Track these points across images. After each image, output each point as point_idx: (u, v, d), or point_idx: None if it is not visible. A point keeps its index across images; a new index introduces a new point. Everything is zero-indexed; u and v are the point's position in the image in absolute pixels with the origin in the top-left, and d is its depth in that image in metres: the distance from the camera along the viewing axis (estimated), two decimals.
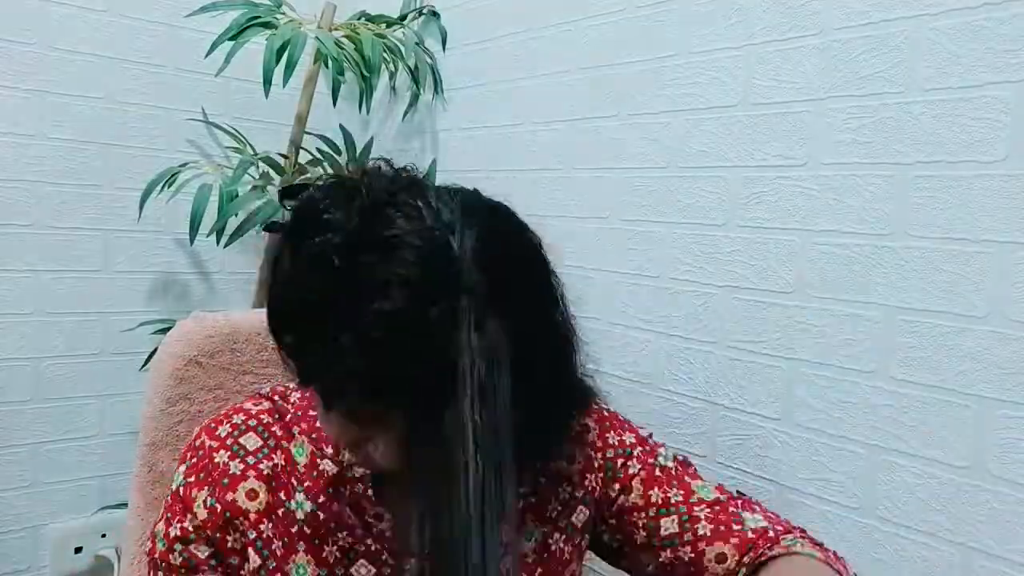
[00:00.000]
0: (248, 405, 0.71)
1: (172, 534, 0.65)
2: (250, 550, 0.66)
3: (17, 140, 1.50)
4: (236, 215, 1.47)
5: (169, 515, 0.66)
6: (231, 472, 0.66)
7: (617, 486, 0.76)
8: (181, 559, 0.65)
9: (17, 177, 1.51)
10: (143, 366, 1.63)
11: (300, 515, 0.66)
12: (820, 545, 0.74)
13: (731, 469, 1.13)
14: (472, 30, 1.60)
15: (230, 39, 1.41)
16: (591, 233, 1.33)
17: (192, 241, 1.50)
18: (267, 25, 1.45)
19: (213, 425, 0.69)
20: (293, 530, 0.66)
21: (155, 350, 1.60)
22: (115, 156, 1.61)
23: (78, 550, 1.63)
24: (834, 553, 0.74)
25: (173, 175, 1.52)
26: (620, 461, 0.77)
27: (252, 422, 0.69)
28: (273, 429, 0.69)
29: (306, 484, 0.67)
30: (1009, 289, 0.87)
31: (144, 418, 0.85)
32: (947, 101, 0.92)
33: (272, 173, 1.59)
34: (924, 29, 0.94)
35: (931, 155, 0.93)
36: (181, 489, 0.67)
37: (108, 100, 1.59)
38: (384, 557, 0.67)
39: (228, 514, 0.65)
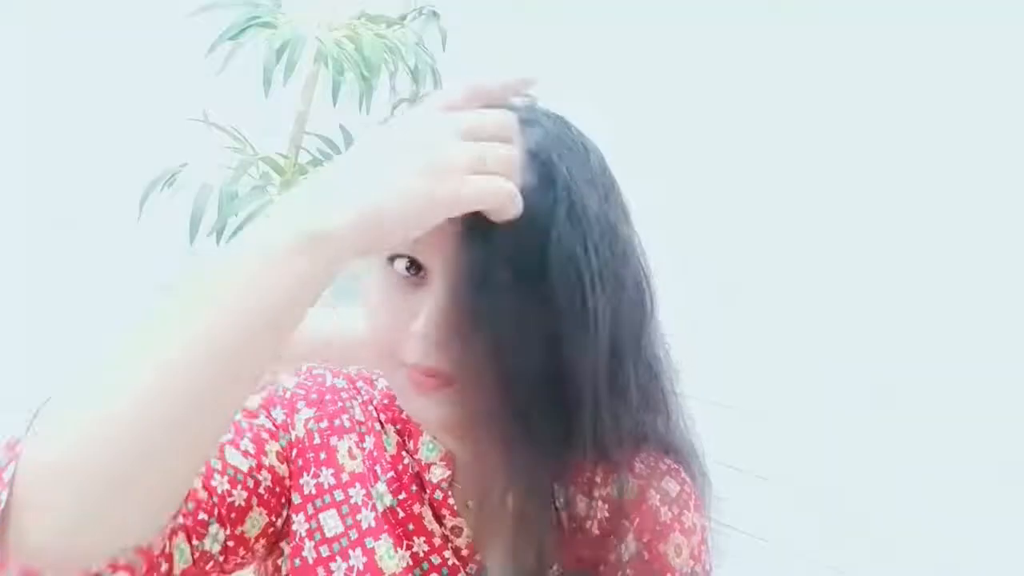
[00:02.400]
0: (335, 381, 0.64)
1: (269, 414, 0.58)
2: (325, 514, 0.58)
3: (16, 140, 1.50)
4: (236, 215, 1.47)
5: (268, 396, 0.59)
6: (339, 424, 0.60)
7: None
8: (271, 426, 0.58)
9: (16, 177, 1.51)
10: None
11: (380, 507, 0.59)
12: None
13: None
14: (472, 30, 1.60)
15: (230, 39, 1.41)
16: None
17: (192, 241, 1.50)
18: (267, 25, 1.44)
19: (326, 370, 0.63)
20: (380, 512, 0.60)
21: None
22: (115, 156, 1.61)
23: None
24: None
25: (173, 175, 1.52)
26: None
27: (351, 394, 0.63)
28: (369, 409, 0.63)
29: (390, 475, 0.60)
30: None
31: None
32: None
33: (272, 173, 1.59)
34: None
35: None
36: (286, 391, 0.60)
37: (109, 100, 1.59)
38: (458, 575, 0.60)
39: (324, 455, 0.59)
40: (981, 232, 1.02)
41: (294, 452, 0.59)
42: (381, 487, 0.60)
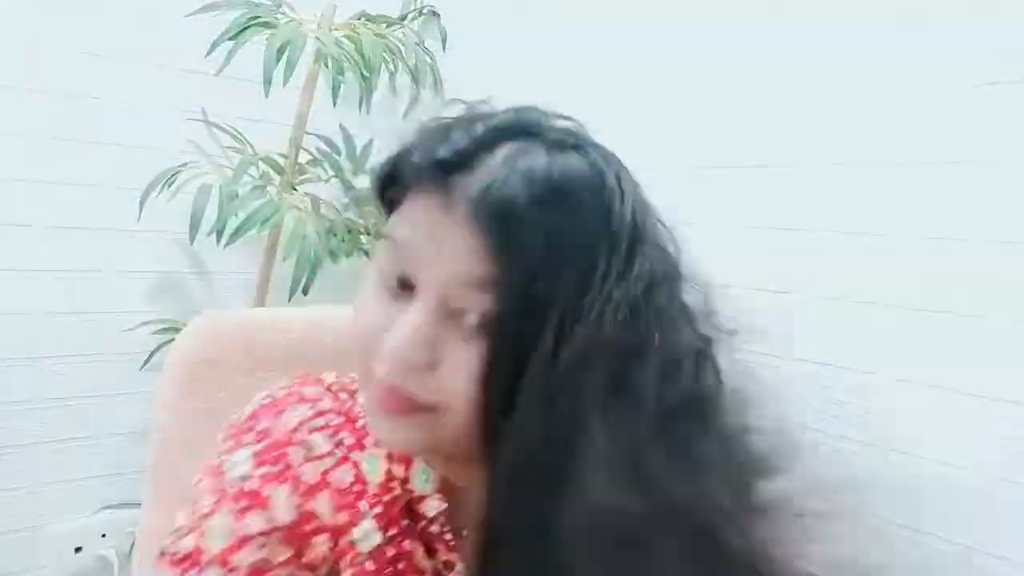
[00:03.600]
0: (307, 391, 0.59)
1: (247, 531, 0.51)
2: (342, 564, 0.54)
3: (16, 140, 1.50)
4: (236, 215, 1.47)
5: (235, 508, 0.52)
6: (304, 479, 0.54)
7: None
8: (253, 559, 0.51)
9: (16, 177, 1.51)
10: (143, 366, 1.63)
11: (365, 547, 0.54)
12: None
13: None
14: (472, 30, 1.60)
15: (230, 39, 1.41)
16: None
17: (192, 241, 1.50)
18: (267, 25, 1.44)
19: (278, 411, 0.57)
20: (352, 557, 0.55)
21: (155, 350, 1.62)
22: (115, 156, 1.61)
23: (78, 550, 1.63)
24: None
25: (173, 175, 1.52)
26: None
27: (319, 421, 0.57)
28: (342, 435, 0.57)
29: (376, 511, 0.55)
30: (1009, 288, 0.87)
31: (157, 416, 0.85)
32: (951, 100, 0.92)
33: (272, 173, 1.59)
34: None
35: (929, 154, 0.93)
36: (250, 483, 0.53)
37: (108, 100, 1.59)
38: None
39: (308, 527, 0.54)
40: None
41: (305, 545, 0.53)
42: (368, 524, 0.55)
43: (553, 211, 0.45)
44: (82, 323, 1.61)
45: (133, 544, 1.62)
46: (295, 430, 0.55)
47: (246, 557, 0.51)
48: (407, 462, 0.57)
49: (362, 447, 0.57)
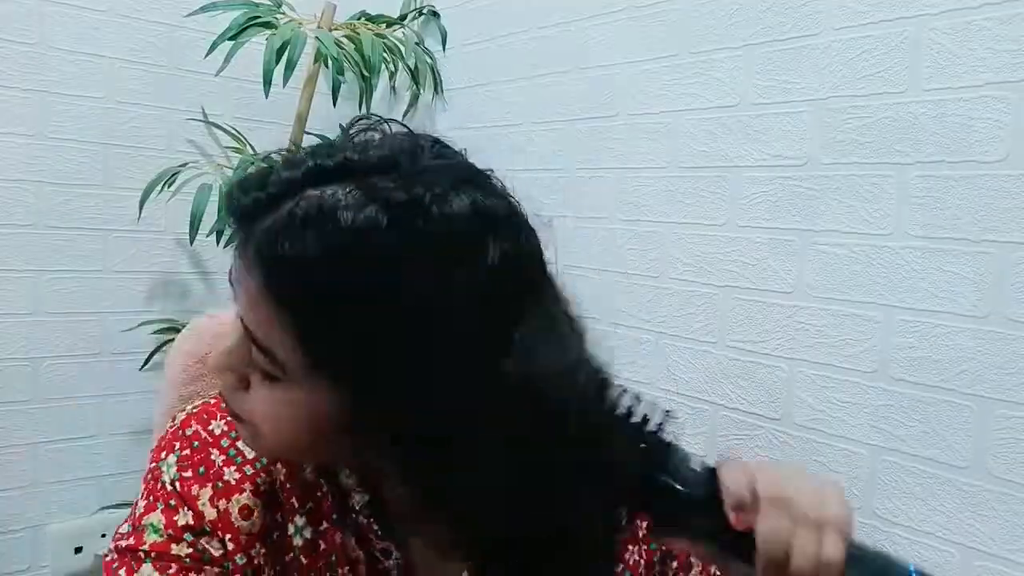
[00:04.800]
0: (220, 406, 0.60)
1: (180, 523, 0.54)
2: None
3: (17, 140, 1.50)
4: None
5: (163, 505, 0.55)
6: (225, 479, 0.56)
7: None
8: (191, 550, 0.54)
9: (17, 177, 1.51)
10: (143, 366, 1.63)
11: (298, 541, 0.57)
12: None
13: None
14: (472, 30, 1.60)
15: (230, 39, 1.41)
16: (590, 233, 1.33)
17: (192, 241, 1.50)
18: (267, 25, 1.44)
19: (206, 416, 0.60)
20: (288, 558, 0.57)
21: (155, 350, 1.62)
22: (115, 156, 1.61)
23: (78, 550, 1.63)
24: None
25: (173, 175, 1.52)
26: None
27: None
28: None
29: (309, 505, 0.58)
30: (1009, 289, 0.87)
31: (157, 415, 0.85)
32: (947, 101, 0.92)
33: None
34: (924, 29, 0.94)
35: (931, 155, 0.93)
36: (177, 483, 0.56)
37: (108, 100, 1.59)
38: None
39: (221, 524, 0.56)
40: None
41: (229, 541, 0.55)
42: (300, 520, 0.58)
43: (332, 259, 0.45)
44: (82, 323, 1.61)
45: None
46: (220, 436, 0.59)
47: (181, 549, 0.54)
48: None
49: None
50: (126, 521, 0.57)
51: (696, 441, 1.17)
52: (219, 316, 0.88)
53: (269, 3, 1.50)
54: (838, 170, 1.02)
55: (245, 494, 0.56)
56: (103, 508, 1.66)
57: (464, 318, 0.46)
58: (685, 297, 1.19)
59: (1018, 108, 0.86)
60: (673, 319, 1.21)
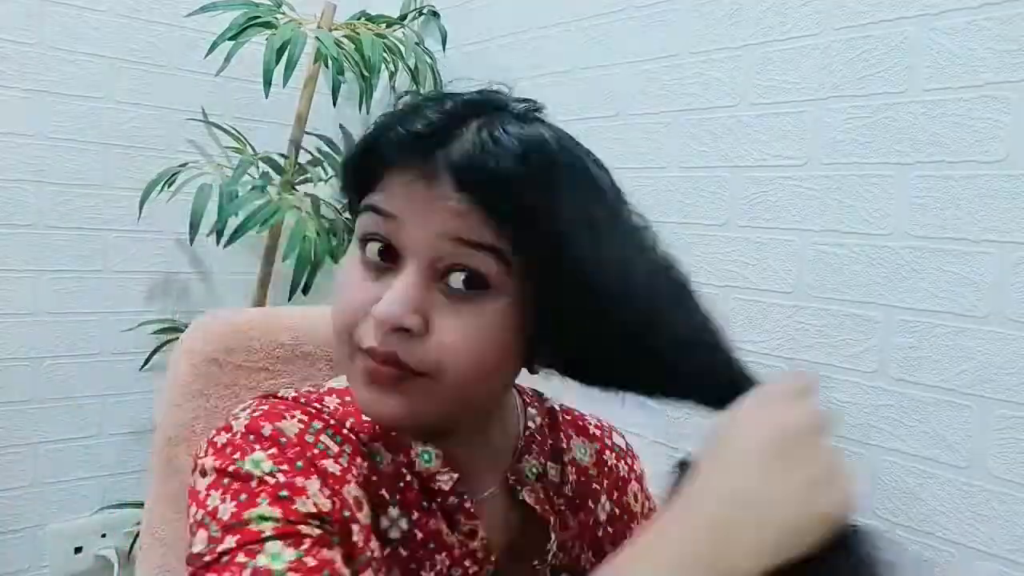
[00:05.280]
0: (282, 407, 0.55)
1: (301, 510, 0.48)
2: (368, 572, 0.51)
3: (17, 140, 1.50)
4: (236, 215, 1.47)
5: (269, 498, 0.48)
6: (329, 471, 0.51)
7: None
8: (320, 533, 0.48)
9: (17, 177, 1.51)
10: (143, 366, 1.63)
11: (395, 534, 0.55)
12: None
13: None
14: (472, 30, 1.60)
15: (230, 39, 1.41)
16: None
17: (192, 241, 1.50)
18: (267, 25, 1.44)
19: (275, 413, 0.54)
20: (387, 552, 0.54)
21: (155, 350, 1.62)
22: (115, 156, 1.61)
23: (78, 550, 1.63)
24: None
25: (173, 175, 1.52)
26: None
27: (317, 423, 0.55)
28: (344, 431, 0.55)
29: (397, 496, 0.56)
30: (1009, 289, 0.87)
31: (161, 413, 0.85)
32: (947, 101, 0.92)
33: (272, 173, 1.59)
34: (924, 29, 0.94)
35: (931, 155, 0.93)
36: (280, 474, 0.49)
37: (108, 100, 1.59)
38: None
39: (347, 514, 0.51)
40: None
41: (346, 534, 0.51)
42: (394, 511, 0.55)
43: (534, 169, 0.48)
44: (82, 323, 1.61)
45: (133, 544, 1.64)
46: (303, 432, 0.53)
47: (312, 531, 0.47)
48: (404, 451, 0.57)
49: (364, 444, 0.56)
50: (191, 540, 0.48)
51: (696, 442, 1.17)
52: (221, 315, 0.88)
53: (269, 3, 1.50)
54: (838, 170, 1.02)
55: (352, 485, 0.52)
56: (103, 508, 1.66)
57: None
58: None
59: (1018, 108, 0.86)
60: None
